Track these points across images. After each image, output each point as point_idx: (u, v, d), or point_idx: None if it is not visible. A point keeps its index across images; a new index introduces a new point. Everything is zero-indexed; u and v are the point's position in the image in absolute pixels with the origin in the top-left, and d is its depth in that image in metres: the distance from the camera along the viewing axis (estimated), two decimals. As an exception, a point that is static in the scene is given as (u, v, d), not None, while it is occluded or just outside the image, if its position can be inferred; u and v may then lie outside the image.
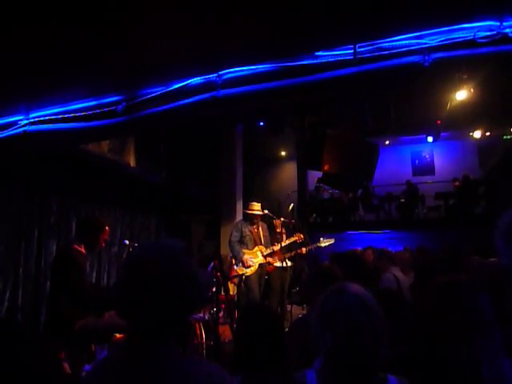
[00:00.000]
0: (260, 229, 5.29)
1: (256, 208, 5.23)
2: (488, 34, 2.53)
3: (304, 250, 5.26)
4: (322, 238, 5.39)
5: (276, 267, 5.30)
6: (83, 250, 3.06)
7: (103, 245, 3.20)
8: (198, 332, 3.86)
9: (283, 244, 5.18)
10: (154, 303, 0.94)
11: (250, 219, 5.26)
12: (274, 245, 5.21)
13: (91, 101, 3.44)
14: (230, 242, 5.24)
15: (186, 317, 1.06)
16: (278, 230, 5.54)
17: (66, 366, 2.75)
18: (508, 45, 2.52)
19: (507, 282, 1.78)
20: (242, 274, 5.08)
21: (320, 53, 2.84)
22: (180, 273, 0.99)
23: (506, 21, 2.51)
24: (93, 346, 3.14)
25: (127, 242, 4.56)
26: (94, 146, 5.39)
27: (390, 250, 4.95)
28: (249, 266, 5.04)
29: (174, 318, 0.99)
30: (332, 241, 5.42)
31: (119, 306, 1.02)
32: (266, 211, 5.31)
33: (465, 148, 11.86)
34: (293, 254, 5.31)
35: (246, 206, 5.38)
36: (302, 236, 5.19)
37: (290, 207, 6.13)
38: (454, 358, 1.34)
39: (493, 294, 1.49)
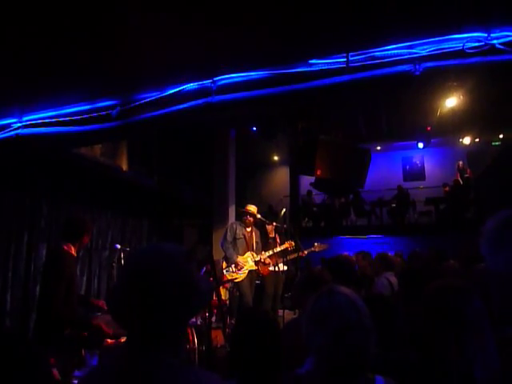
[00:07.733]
0: (253, 234, 5.28)
1: (251, 209, 5.20)
2: (476, 44, 2.61)
3: (297, 255, 5.27)
4: (316, 243, 5.42)
5: (270, 271, 5.29)
6: (73, 252, 2.99)
7: (87, 242, 3.14)
8: (191, 337, 3.84)
9: (275, 250, 5.17)
10: (155, 311, 0.93)
11: (242, 219, 5.23)
12: (261, 254, 5.19)
13: (85, 105, 3.45)
14: (223, 242, 5.19)
15: (185, 323, 1.04)
16: (271, 236, 5.53)
17: (56, 372, 2.72)
18: (495, 55, 2.60)
19: (494, 286, 1.81)
20: (233, 279, 5.07)
21: (313, 61, 2.90)
22: (181, 280, 0.97)
23: (494, 32, 2.60)
24: (83, 352, 3.11)
25: (118, 246, 4.50)
26: (87, 149, 5.36)
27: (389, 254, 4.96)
28: (241, 268, 5.03)
29: (174, 325, 0.98)
30: (326, 246, 5.44)
31: (117, 312, 1.00)
32: (259, 216, 5.31)
33: (454, 154, 11.99)
34: (286, 258, 5.31)
35: (243, 206, 5.35)
36: (292, 243, 5.18)
37: (282, 212, 6.13)
38: (445, 363, 1.36)
39: (485, 299, 1.51)
